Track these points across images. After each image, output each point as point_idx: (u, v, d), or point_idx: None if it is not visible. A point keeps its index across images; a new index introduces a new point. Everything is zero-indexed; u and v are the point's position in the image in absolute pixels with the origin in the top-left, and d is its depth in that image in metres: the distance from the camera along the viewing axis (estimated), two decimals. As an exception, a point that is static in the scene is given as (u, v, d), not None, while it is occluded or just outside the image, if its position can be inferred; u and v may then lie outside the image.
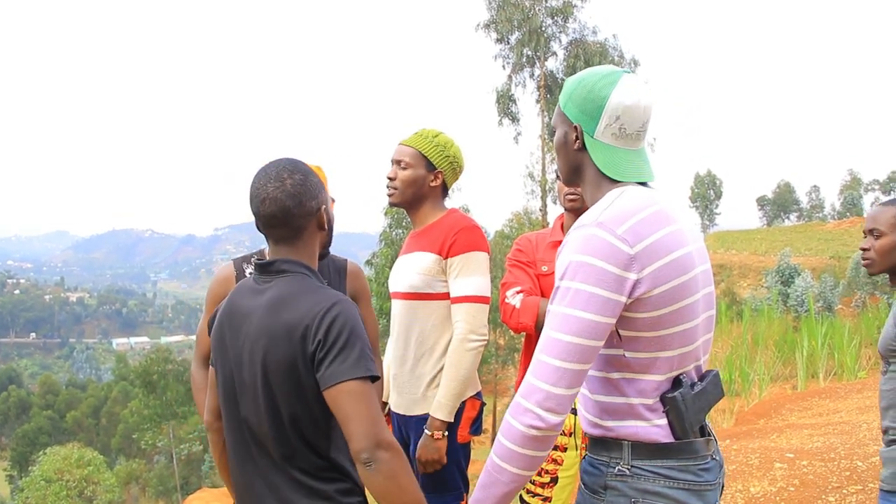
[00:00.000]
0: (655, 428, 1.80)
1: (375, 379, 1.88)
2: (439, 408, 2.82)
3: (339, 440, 2.01)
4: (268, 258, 2.07)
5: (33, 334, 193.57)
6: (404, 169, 3.00)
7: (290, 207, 1.97)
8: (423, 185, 3.03)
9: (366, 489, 1.99)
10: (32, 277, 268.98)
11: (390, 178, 3.03)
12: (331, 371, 1.84)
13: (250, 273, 2.93)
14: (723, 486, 1.93)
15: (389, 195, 3.05)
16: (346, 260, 3.01)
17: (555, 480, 3.21)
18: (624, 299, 1.72)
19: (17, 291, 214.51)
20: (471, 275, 2.88)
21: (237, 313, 2.04)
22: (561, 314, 1.73)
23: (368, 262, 29.47)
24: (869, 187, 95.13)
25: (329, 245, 2.24)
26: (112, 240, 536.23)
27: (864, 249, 2.82)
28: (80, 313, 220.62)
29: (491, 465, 1.82)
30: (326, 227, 2.12)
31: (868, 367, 12.99)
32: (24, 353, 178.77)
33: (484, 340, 2.85)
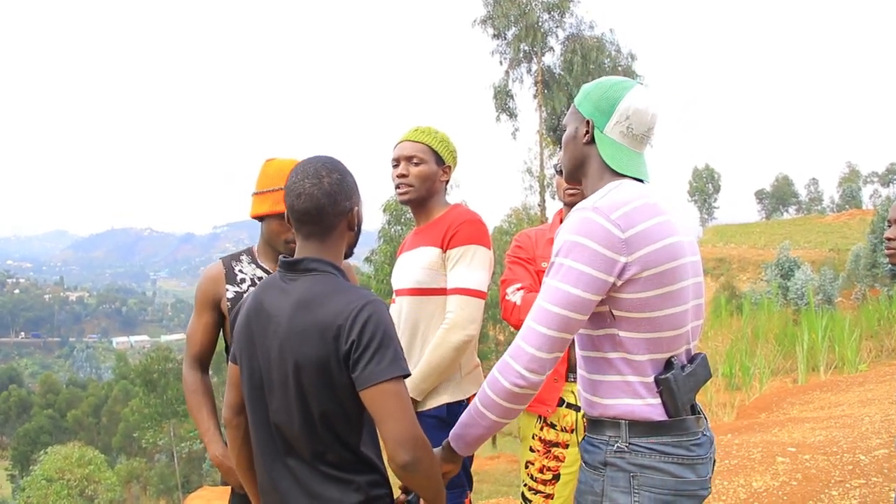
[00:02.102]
0: (650, 406, 1.96)
1: (408, 376, 1.94)
2: (411, 385, 2.78)
3: (367, 435, 2.06)
4: (295, 254, 2.09)
5: (23, 333, 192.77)
6: (417, 165, 2.95)
7: (324, 205, 2.01)
8: (435, 181, 2.99)
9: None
10: (32, 277, 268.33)
11: (402, 176, 2.97)
12: (368, 371, 1.88)
13: (240, 271, 2.91)
14: (714, 461, 2.09)
15: (403, 193, 2.98)
16: None
17: (557, 477, 3.20)
18: (612, 279, 1.89)
19: (16, 291, 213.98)
20: (467, 268, 2.84)
21: (264, 311, 2.05)
22: (552, 287, 1.93)
23: (367, 260, 29.45)
24: (868, 179, 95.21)
25: (355, 245, 2.24)
26: (111, 239, 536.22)
27: (889, 239, 2.85)
28: (80, 312, 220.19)
29: (474, 409, 2.07)
30: (356, 227, 2.15)
31: (869, 360, 12.99)
32: (24, 352, 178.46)
33: (469, 336, 2.79)
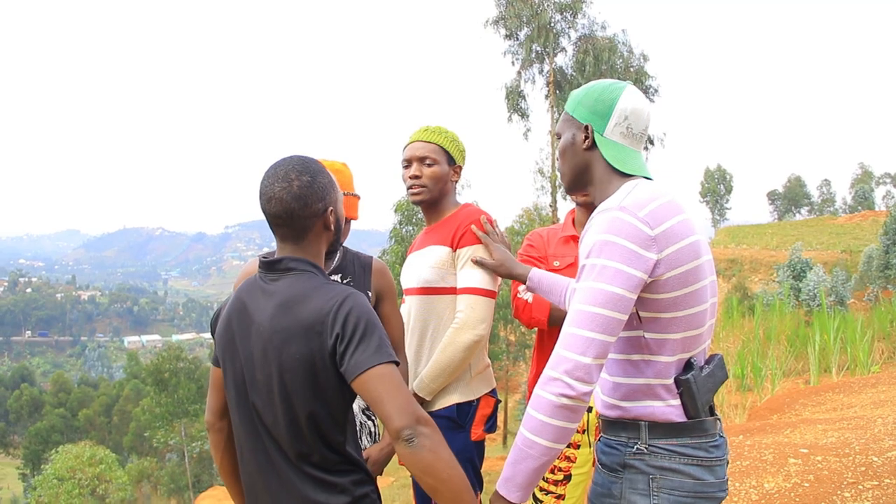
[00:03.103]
0: (670, 408, 1.94)
1: (397, 364, 1.91)
2: (420, 385, 2.82)
3: (350, 435, 2.06)
4: (276, 254, 2.09)
5: (28, 332, 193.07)
6: (430, 165, 2.95)
7: (294, 209, 2.01)
8: (447, 181, 3.00)
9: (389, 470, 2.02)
10: (44, 276, 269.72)
11: (416, 177, 2.96)
12: (355, 361, 1.87)
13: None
14: (728, 462, 2.05)
15: (416, 193, 2.97)
16: (371, 257, 2.98)
17: (568, 478, 3.19)
18: (645, 277, 1.85)
19: (28, 290, 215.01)
20: (477, 267, 2.85)
21: (246, 311, 2.05)
22: (588, 288, 1.86)
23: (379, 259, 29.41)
24: (880, 180, 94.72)
25: (338, 244, 2.24)
26: (123, 238, 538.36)
27: None
28: (92, 311, 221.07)
29: (521, 439, 1.88)
30: (333, 227, 2.14)
31: (881, 362, 12.91)
32: (36, 351, 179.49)
33: (479, 336, 2.79)
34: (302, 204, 2.00)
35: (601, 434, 2.09)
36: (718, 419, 2.01)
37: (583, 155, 2.11)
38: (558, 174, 2.21)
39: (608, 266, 1.83)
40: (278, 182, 2.00)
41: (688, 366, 1.95)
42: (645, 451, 1.93)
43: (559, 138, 2.18)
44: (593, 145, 2.08)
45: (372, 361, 1.86)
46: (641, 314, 1.92)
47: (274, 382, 1.95)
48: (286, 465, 2.00)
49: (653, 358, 1.93)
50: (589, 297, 1.84)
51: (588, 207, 3.21)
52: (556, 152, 2.23)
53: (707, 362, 2.02)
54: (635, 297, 1.85)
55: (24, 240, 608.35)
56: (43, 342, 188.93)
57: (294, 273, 2.02)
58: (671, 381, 1.94)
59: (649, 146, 30.91)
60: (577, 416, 1.83)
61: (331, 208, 2.10)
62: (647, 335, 1.92)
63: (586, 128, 2.08)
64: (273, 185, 2.00)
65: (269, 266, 2.05)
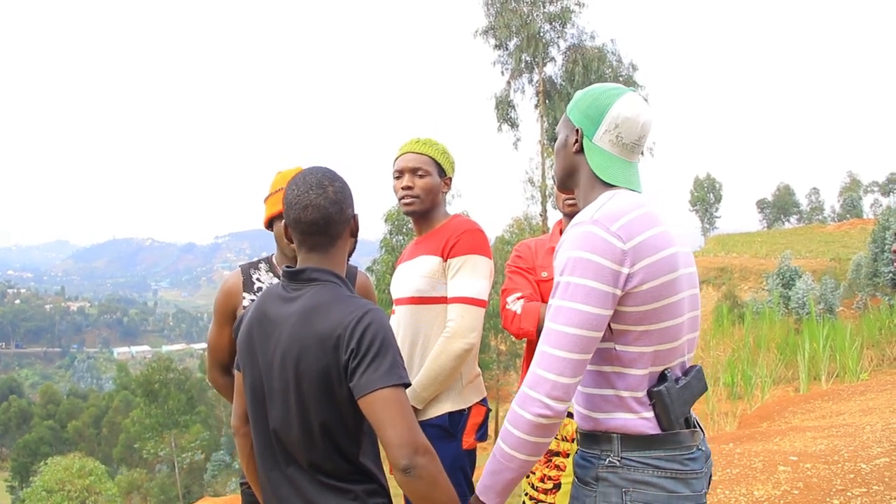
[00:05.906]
0: (643, 420, 1.91)
1: (408, 386, 1.91)
2: (412, 394, 2.81)
3: (367, 445, 2.05)
4: (298, 265, 2.09)
5: (3, 344, 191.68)
6: (422, 177, 2.96)
7: (332, 214, 2.02)
8: (438, 193, 3.02)
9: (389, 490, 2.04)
10: (33, 287, 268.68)
11: (408, 188, 2.97)
12: (364, 379, 1.86)
13: (258, 279, 2.94)
14: (710, 477, 2.05)
15: (409, 204, 2.98)
16: (356, 268, 3.01)
17: (557, 486, 3.20)
18: (619, 292, 1.84)
19: (17, 301, 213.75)
20: (468, 276, 2.85)
21: (266, 320, 2.06)
22: (563, 307, 1.85)
23: (369, 269, 29.43)
24: (868, 189, 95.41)
25: (352, 253, 2.27)
26: (112, 249, 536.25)
27: (895, 252, 2.88)
28: (81, 322, 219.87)
29: (499, 452, 1.93)
30: (355, 234, 2.18)
31: (870, 369, 12.97)
32: (24, 362, 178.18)
33: (469, 344, 2.79)
34: (338, 209, 2.02)
35: (578, 447, 2.07)
36: (696, 431, 1.98)
37: (572, 158, 2.09)
38: (548, 184, 2.22)
39: (581, 284, 1.83)
40: (313, 189, 2.00)
41: (661, 377, 1.93)
42: (617, 463, 1.91)
43: (557, 136, 2.17)
44: (582, 150, 2.05)
45: (380, 383, 1.84)
46: (613, 326, 1.90)
47: (290, 391, 1.96)
48: (298, 472, 2.01)
49: (624, 370, 1.92)
50: (563, 316, 1.84)
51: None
52: (554, 149, 2.21)
53: (685, 374, 2.01)
54: (611, 313, 1.85)
55: (12, 251, 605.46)
56: (32, 353, 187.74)
57: (317, 283, 2.03)
58: (643, 393, 1.92)
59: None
60: (553, 431, 1.88)
61: (357, 214, 2.14)
62: (617, 347, 1.91)
63: (577, 131, 2.05)
64: (308, 193, 2.00)
65: (293, 276, 2.06)
